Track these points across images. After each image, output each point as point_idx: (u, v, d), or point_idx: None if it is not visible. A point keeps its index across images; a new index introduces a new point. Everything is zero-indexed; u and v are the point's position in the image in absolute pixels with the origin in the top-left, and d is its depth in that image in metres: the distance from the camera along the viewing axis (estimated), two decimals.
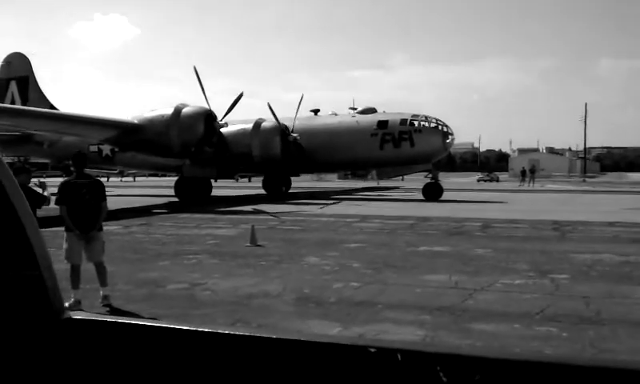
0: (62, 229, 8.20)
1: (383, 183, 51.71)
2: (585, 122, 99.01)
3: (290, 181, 38.27)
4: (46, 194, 7.78)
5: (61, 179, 9.35)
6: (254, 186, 45.21)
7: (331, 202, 29.80)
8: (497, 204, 28.11)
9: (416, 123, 32.04)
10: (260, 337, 1.90)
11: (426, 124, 32.04)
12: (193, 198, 30.26)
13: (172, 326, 2.17)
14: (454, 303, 7.87)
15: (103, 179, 9.17)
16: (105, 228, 8.72)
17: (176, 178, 33.14)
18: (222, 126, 30.63)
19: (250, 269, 10.63)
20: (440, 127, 31.97)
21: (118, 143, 30.84)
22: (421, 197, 31.09)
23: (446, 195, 31.04)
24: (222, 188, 38.83)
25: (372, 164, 34.81)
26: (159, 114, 29.04)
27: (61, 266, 7.61)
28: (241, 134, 32.21)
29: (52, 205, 8.04)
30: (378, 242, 14.11)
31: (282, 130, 32.71)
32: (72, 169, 8.93)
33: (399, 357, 1.60)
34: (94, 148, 34.22)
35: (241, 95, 31.38)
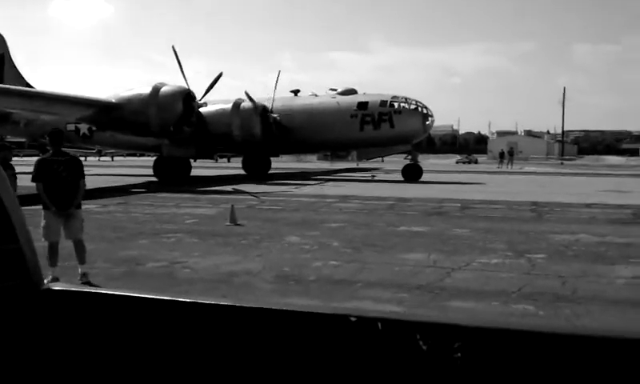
0: (40, 207, 8.12)
1: (363, 164, 51.81)
2: (563, 105, 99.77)
3: (270, 161, 38.19)
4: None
5: (37, 157, 9.25)
6: (233, 165, 45.06)
7: (325, 179, 29.82)
8: (475, 185, 28.32)
9: (396, 105, 32.09)
10: (240, 306, 1.91)
11: (406, 106, 32.10)
12: (171, 177, 30.08)
13: (151, 297, 2.17)
14: (432, 281, 7.95)
15: (81, 159, 9.06)
16: (83, 207, 8.64)
17: (155, 158, 32.90)
18: (201, 105, 30.43)
19: (229, 247, 10.63)
20: (420, 109, 32.07)
21: (96, 122, 30.47)
22: (400, 178, 31.21)
23: (425, 177, 31.21)
24: (201, 168, 38.63)
25: (352, 145, 34.85)
26: (137, 92, 28.74)
27: (39, 245, 7.54)
28: (220, 114, 32.00)
29: (28, 183, 7.97)
30: (357, 221, 14.17)
31: (261, 110, 32.57)
32: (48, 147, 8.82)
33: (379, 325, 1.61)
34: (71, 127, 33.81)
35: (220, 75, 31.22)
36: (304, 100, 35.31)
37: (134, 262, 9.38)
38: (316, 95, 35.74)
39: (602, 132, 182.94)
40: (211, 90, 31.05)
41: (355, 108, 32.61)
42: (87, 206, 8.88)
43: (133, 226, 13.32)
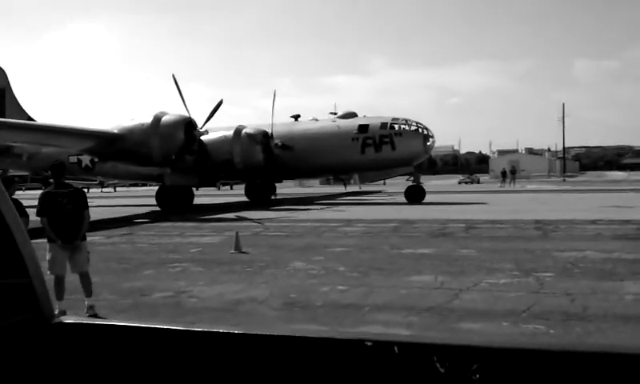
0: (45, 240, 8.11)
1: (365, 187, 51.82)
2: (563, 122, 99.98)
3: (274, 187, 38.21)
4: None
5: (40, 191, 9.26)
6: (236, 193, 45.10)
7: (327, 204, 29.80)
8: (479, 205, 28.28)
9: (396, 127, 32.17)
10: (254, 334, 1.89)
11: (407, 127, 32.16)
12: (175, 206, 30.06)
13: (162, 327, 2.15)
14: (440, 303, 7.90)
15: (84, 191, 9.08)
16: (87, 239, 8.63)
17: (157, 187, 32.94)
18: (203, 133, 30.49)
19: (235, 275, 10.59)
20: (420, 130, 32.12)
21: (98, 153, 30.54)
22: (403, 200, 31.19)
23: (428, 198, 31.18)
24: (203, 196, 38.67)
25: (354, 168, 34.88)
26: (139, 122, 28.82)
27: (44, 278, 7.52)
28: (222, 142, 32.07)
29: (32, 217, 7.96)
30: (363, 245, 14.13)
31: (262, 137, 32.67)
32: (51, 180, 8.84)
33: (396, 349, 1.59)
34: (73, 159, 33.88)
35: (220, 102, 31.30)
36: (305, 125, 35.40)
37: (140, 292, 9.34)
38: (317, 120, 35.85)
39: (603, 148, 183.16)
40: (212, 118, 31.13)
41: (356, 131, 32.69)
42: (92, 237, 8.88)
43: (138, 257, 13.29)
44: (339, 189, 53.17)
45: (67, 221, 8.04)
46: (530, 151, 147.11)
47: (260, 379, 1.87)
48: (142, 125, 28.53)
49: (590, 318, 7.03)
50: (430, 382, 1.57)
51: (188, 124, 29.04)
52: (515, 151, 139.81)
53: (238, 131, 32.41)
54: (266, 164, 32.62)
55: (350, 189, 51.80)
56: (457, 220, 19.81)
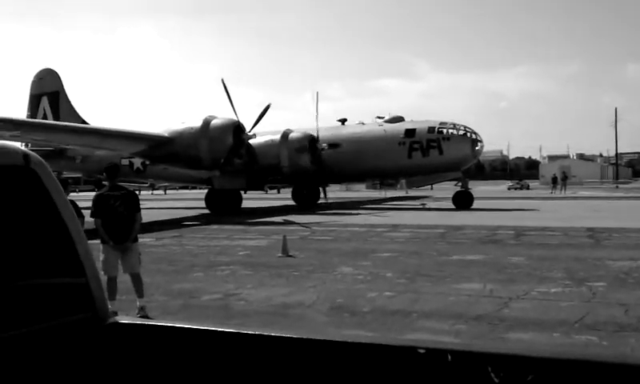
0: (98, 241, 8.31)
1: (412, 192, 51.47)
2: (615, 127, 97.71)
3: (319, 191, 38.34)
4: None
5: (93, 193, 9.49)
6: (283, 197, 45.36)
7: (374, 208, 29.74)
8: (529, 211, 27.80)
9: (444, 131, 31.86)
10: (306, 339, 1.91)
11: (455, 131, 31.83)
12: (223, 209, 30.47)
13: (212, 329, 2.19)
14: (489, 312, 7.79)
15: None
16: (139, 240, 8.80)
17: (206, 190, 33.40)
18: (251, 137, 30.79)
19: (282, 279, 10.66)
20: (469, 134, 31.76)
21: (149, 156, 31.16)
22: (451, 205, 30.88)
23: (476, 203, 30.81)
24: (251, 199, 39.01)
25: (400, 173, 34.72)
26: (188, 126, 29.29)
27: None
28: (269, 145, 32.34)
29: (87, 218, 8.15)
30: (409, 251, 14.04)
31: (310, 141, 32.80)
32: (104, 182, 9.04)
33: (449, 357, 1.59)
34: (125, 161, 34.60)
35: (268, 106, 31.57)
36: (351, 129, 35.40)
37: (189, 294, 9.49)
38: (363, 124, 35.83)
39: None
40: (260, 121, 31.42)
41: (403, 135, 32.53)
42: (143, 239, 9.06)
43: (187, 259, 13.50)
44: (386, 193, 52.94)
45: (119, 223, 8.22)
46: (582, 157, 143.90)
47: (313, 383, 1.89)
48: (192, 128, 28.98)
49: None
50: None
51: (236, 128, 29.37)
52: (566, 156, 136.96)
53: (285, 135, 32.64)
54: (313, 168, 32.73)
55: (396, 194, 51.54)
56: (506, 226, 19.51)
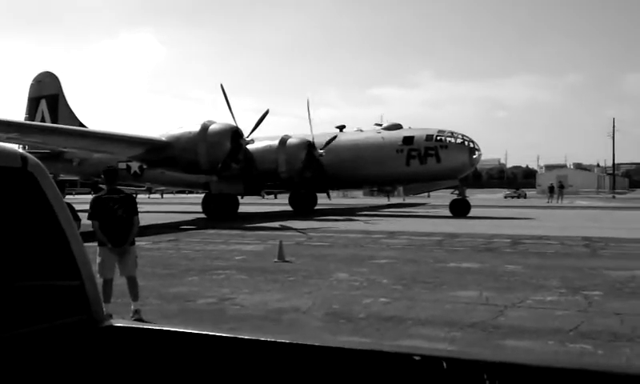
0: (95, 244, 8.29)
1: (409, 199, 51.51)
2: (613, 137, 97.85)
3: (316, 197, 38.32)
4: None
5: (89, 196, 9.49)
6: (280, 202, 45.35)
7: (371, 215, 29.74)
8: (525, 220, 27.82)
9: (442, 139, 31.93)
10: (300, 344, 1.91)
11: (452, 140, 31.90)
12: (220, 214, 30.46)
13: (207, 333, 2.19)
14: (485, 319, 7.79)
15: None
16: (135, 243, 8.79)
17: (203, 195, 33.39)
18: (249, 142, 30.80)
19: (278, 284, 10.65)
20: (466, 143, 31.83)
21: (147, 160, 31.18)
22: (448, 213, 30.91)
23: (473, 212, 30.85)
24: (248, 204, 38.98)
25: (398, 180, 34.77)
26: (186, 130, 29.30)
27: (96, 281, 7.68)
28: (267, 151, 32.37)
29: (84, 221, 8.15)
30: (406, 258, 14.04)
31: (307, 146, 32.83)
32: (101, 185, 9.04)
33: (445, 365, 1.59)
34: (122, 165, 34.59)
35: (267, 112, 31.57)
36: (349, 136, 35.46)
37: (185, 298, 9.47)
38: (361, 131, 35.88)
39: None
40: (258, 127, 31.44)
41: (401, 143, 32.58)
42: (139, 242, 9.05)
43: (183, 263, 13.48)
44: (383, 200, 52.98)
45: (117, 225, 8.22)
46: (579, 166, 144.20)
47: None
48: (190, 133, 29.00)
49: None
50: None
51: (235, 133, 29.38)
52: (563, 166, 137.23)
53: (283, 141, 32.67)
54: (310, 174, 32.76)
55: (393, 201, 51.54)
56: (503, 235, 19.53)
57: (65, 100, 42.43)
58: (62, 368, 2.22)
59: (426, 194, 48.20)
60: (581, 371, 1.50)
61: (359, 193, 68.77)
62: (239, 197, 33.86)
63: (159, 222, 26.31)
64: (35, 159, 2.30)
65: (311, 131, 33.67)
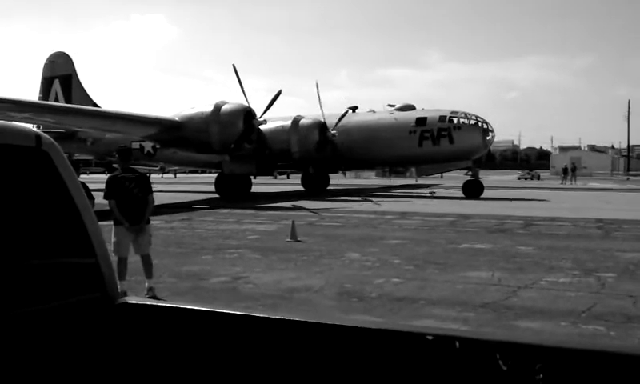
0: (109, 222, 8.34)
1: (422, 180, 51.39)
2: (628, 119, 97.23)
3: (329, 178, 38.31)
4: None
5: (104, 176, 9.54)
6: (292, 182, 45.39)
7: (383, 195, 29.73)
8: (538, 202, 27.69)
9: (455, 120, 31.77)
10: (313, 322, 1.92)
11: (466, 121, 31.71)
12: (233, 194, 30.57)
13: (220, 311, 2.21)
14: (497, 300, 7.79)
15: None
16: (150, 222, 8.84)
17: (216, 175, 33.49)
18: (261, 123, 30.79)
19: (291, 263, 10.69)
20: (480, 124, 31.63)
21: (160, 140, 31.28)
22: (461, 194, 30.82)
23: (486, 193, 30.73)
24: (261, 184, 39.05)
25: (410, 161, 34.65)
26: (199, 111, 29.35)
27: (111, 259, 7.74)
28: (279, 131, 32.38)
29: (98, 200, 8.20)
30: (418, 238, 14.04)
31: (320, 127, 32.79)
32: (115, 165, 9.08)
33: (457, 344, 1.59)
34: (135, 145, 34.72)
35: (279, 93, 31.50)
36: (362, 116, 35.34)
37: (198, 277, 9.54)
38: (374, 112, 35.75)
39: None
40: (271, 108, 31.39)
41: (414, 124, 32.43)
42: (153, 222, 9.09)
43: (196, 242, 13.56)
44: (395, 181, 52.89)
45: (133, 204, 8.28)
46: (593, 148, 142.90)
47: (320, 367, 1.90)
48: (203, 113, 29.05)
49: None
50: (491, 379, 1.57)
51: (247, 113, 29.39)
52: (577, 148, 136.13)
53: (295, 121, 32.66)
54: (323, 154, 32.74)
55: (406, 181, 51.44)
56: (515, 216, 19.46)
57: (78, 80, 42.56)
58: (77, 345, 2.25)
59: (439, 175, 48.05)
60: (593, 352, 1.50)
61: (371, 173, 68.66)
62: (252, 177, 33.94)
63: (172, 201, 26.43)
64: (49, 138, 2.31)
65: (322, 112, 33.62)
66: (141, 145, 35.51)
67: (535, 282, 8.92)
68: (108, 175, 8.93)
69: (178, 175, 73.80)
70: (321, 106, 33.82)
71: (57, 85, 42.17)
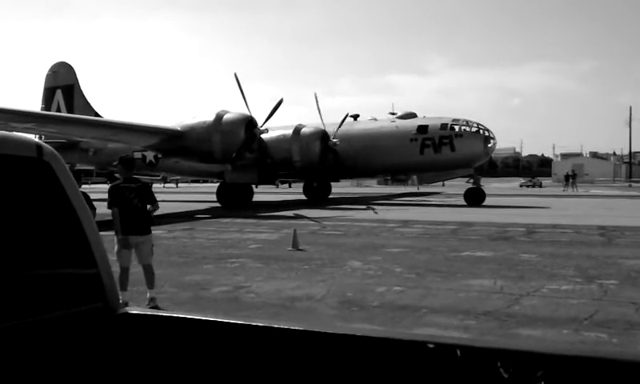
0: (111, 232, 8.36)
1: (423, 188, 51.36)
2: (630, 125, 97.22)
3: (330, 186, 38.32)
4: None
5: (105, 186, 9.55)
6: (294, 191, 45.40)
7: (385, 204, 29.71)
8: (540, 209, 27.67)
9: (457, 128, 31.78)
10: (314, 332, 1.92)
11: (467, 128, 31.73)
12: (234, 203, 30.58)
13: (222, 320, 2.21)
14: (499, 308, 7.78)
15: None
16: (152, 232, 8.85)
17: (218, 184, 33.51)
18: (263, 131, 30.83)
19: (292, 272, 10.68)
20: (481, 131, 31.64)
21: (161, 149, 31.34)
22: (462, 202, 30.80)
23: (488, 200, 30.71)
24: (262, 193, 39.06)
25: (412, 169, 34.64)
26: (201, 120, 29.40)
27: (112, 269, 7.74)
28: (281, 140, 32.42)
29: (100, 210, 8.21)
30: (420, 246, 14.03)
31: (322, 136, 32.83)
32: (116, 174, 9.08)
33: (458, 352, 1.59)
34: (138, 154, 34.77)
35: (281, 101, 31.54)
36: (364, 125, 35.38)
37: (199, 286, 9.53)
38: (375, 120, 35.78)
39: None
40: (272, 116, 31.42)
41: (415, 132, 32.45)
42: (155, 231, 9.09)
43: (198, 251, 13.56)
44: (397, 189, 52.88)
45: (134, 214, 8.28)
46: (595, 155, 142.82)
47: (321, 376, 1.90)
48: (204, 122, 29.10)
49: None
50: None
51: (249, 122, 29.44)
52: (579, 155, 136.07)
53: (297, 130, 32.71)
54: (324, 163, 32.76)
55: (408, 190, 51.43)
56: (517, 224, 19.45)
57: (80, 90, 42.67)
58: (78, 355, 2.25)
59: (441, 182, 48.03)
60: (595, 359, 1.49)
61: (373, 182, 68.63)
62: (253, 186, 33.95)
63: (174, 211, 26.44)
64: (51, 148, 2.32)
65: (322, 121, 33.68)
66: (143, 154, 35.54)
67: (537, 290, 8.90)
68: (110, 184, 8.94)
69: (179, 185, 73.87)
70: (321, 117, 33.90)
71: (59, 95, 42.28)
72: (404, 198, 39.71)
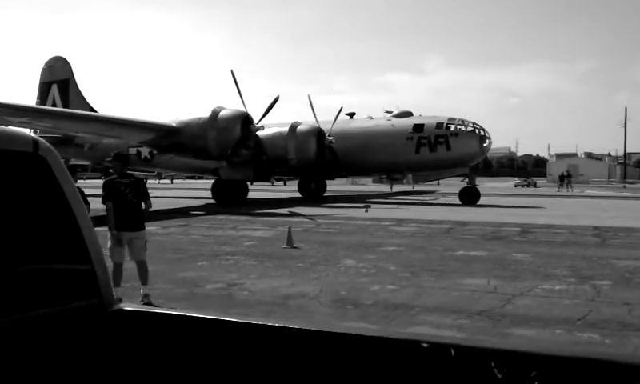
0: (105, 228, 8.33)
1: (419, 187, 51.41)
2: (625, 126, 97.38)
3: (325, 184, 38.34)
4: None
5: (100, 181, 9.53)
6: (289, 188, 45.39)
7: (380, 202, 29.74)
8: (535, 209, 27.73)
9: (452, 127, 31.83)
10: (308, 330, 1.92)
11: (463, 128, 31.80)
12: (229, 199, 30.54)
13: (215, 317, 2.21)
14: (492, 307, 7.80)
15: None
16: (145, 228, 8.83)
17: (213, 181, 33.47)
18: (259, 128, 30.81)
19: (286, 270, 10.68)
20: (477, 131, 31.71)
21: (157, 145, 31.26)
22: (457, 201, 30.85)
23: (482, 200, 30.78)
24: (258, 190, 39.03)
25: (407, 168, 34.69)
26: (196, 116, 29.34)
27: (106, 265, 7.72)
28: (277, 137, 32.41)
29: (94, 205, 8.19)
30: (414, 245, 14.05)
31: (317, 133, 32.83)
32: (111, 170, 9.05)
33: (452, 352, 1.60)
34: (132, 150, 34.68)
35: (277, 99, 31.52)
36: (359, 123, 35.41)
37: (193, 283, 9.53)
38: (371, 118, 35.81)
39: None
40: (268, 113, 31.40)
41: (411, 130, 32.50)
42: (149, 227, 9.09)
43: (192, 248, 13.55)
44: (392, 188, 52.92)
45: (128, 209, 8.26)
46: (590, 155, 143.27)
47: (315, 375, 1.90)
48: (200, 119, 29.05)
49: None
50: None
51: (245, 119, 29.41)
52: (574, 155, 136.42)
53: (292, 127, 32.70)
54: (320, 160, 32.77)
55: (403, 188, 51.49)
56: (512, 223, 19.50)
57: (76, 85, 42.54)
58: (72, 351, 2.24)
59: (436, 181, 48.10)
60: (588, 360, 1.50)
61: (368, 180, 68.66)
62: (248, 183, 33.93)
63: (169, 207, 26.40)
64: (47, 143, 2.31)
65: (316, 120, 33.69)
66: (138, 150, 35.47)
67: (531, 290, 8.93)
68: (104, 179, 8.92)
69: (174, 181, 73.71)
70: (315, 117, 33.92)
71: (55, 89, 42.14)
72: (399, 197, 39.73)
